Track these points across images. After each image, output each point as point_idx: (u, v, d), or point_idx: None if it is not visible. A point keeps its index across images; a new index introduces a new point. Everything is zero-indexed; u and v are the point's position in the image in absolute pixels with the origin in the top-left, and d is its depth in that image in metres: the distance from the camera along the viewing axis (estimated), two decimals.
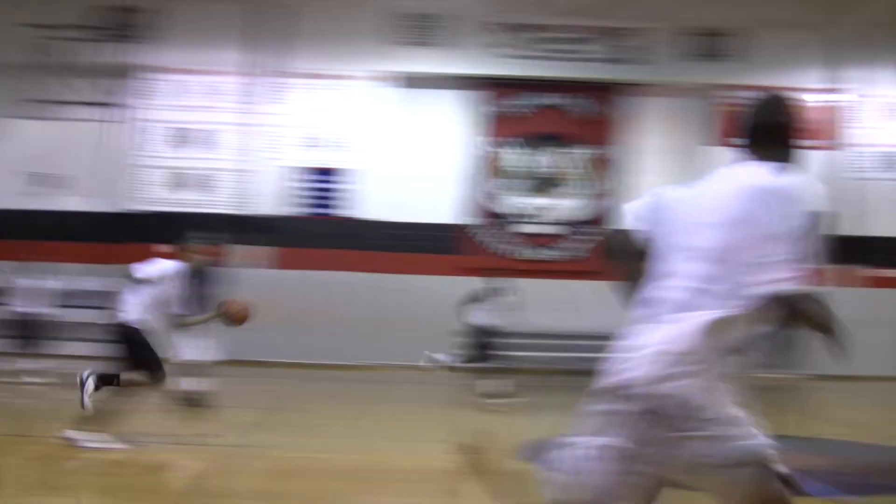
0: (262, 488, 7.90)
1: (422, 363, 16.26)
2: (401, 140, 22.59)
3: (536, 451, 9.86)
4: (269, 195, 22.05)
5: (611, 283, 4.45)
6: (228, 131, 22.06)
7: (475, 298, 15.33)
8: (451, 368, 15.95)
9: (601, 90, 23.10)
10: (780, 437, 9.38)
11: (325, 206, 22.12)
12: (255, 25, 22.20)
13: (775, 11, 22.53)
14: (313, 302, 20.77)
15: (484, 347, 15.29)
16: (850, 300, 22.26)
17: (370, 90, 22.29)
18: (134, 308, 9.70)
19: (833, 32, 22.68)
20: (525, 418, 13.61)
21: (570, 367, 21.53)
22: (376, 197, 22.22)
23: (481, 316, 15.24)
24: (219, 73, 22.08)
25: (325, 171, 22.14)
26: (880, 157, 23.00)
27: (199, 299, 12.34)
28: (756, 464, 3.76)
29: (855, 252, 22.59)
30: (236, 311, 10.79)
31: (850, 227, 22.64)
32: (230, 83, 22.10)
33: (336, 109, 22.20)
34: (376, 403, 15.48)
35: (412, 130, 22.69)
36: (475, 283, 16.29)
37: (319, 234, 21.83)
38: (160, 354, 9.84)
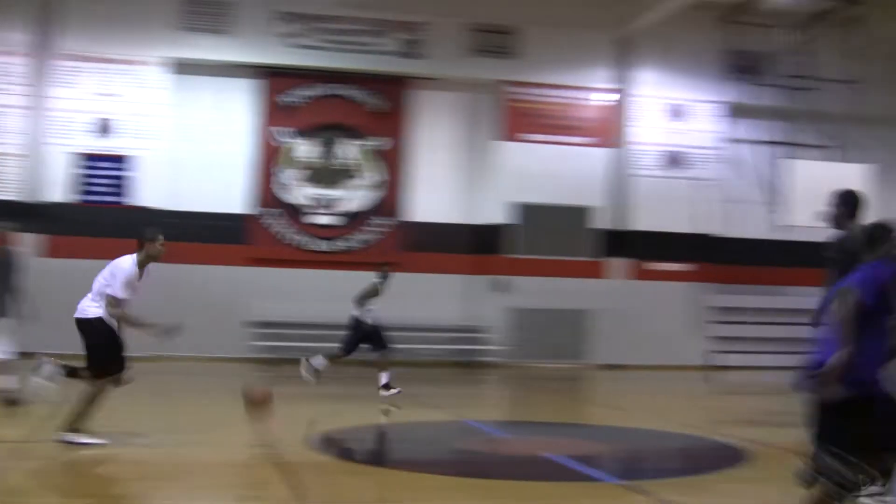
0: (61, 485, 7.73)
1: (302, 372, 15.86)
2: (188, 128, 22.22)
3: (334, 441, 9.99)
4: (51, 181, 21.28)
5: None
6: (8, 114, 21.20)
7: (371, 293, 15.37)
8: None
9: (389, 82, 23.29)
10: (561, 425, 9.82)
11: (109, 194, 21.53)
12: (39, 6, 21.42)
13: (563, 10, 23.21)
14: None
15: (381, 340, 15.38)
16: (620, 292, 23.40)
17: (157, 76, 21.75)
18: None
19: (618, 33, 23.55)
20: (324, 407, 13.64)
21: (358, 358, 21.76)
22: (162, 185, 21.78)
23: (375, 311, 15.32)
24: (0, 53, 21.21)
25: (108, 158, 21.55)
26: (653, 155, 23.98)
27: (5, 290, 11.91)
28: None
29: (626, 245, 23.65)
30: (259, 398, 10.31)
31: (623, 222, 23.71)
32: (11, 64, 21.23)
33: (122, 95, 21.57)
34: (168, 396, 15.18)
35: (200, 118, 22.36)
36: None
37: (103, 222, 21.22)
38: None
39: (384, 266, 15.81)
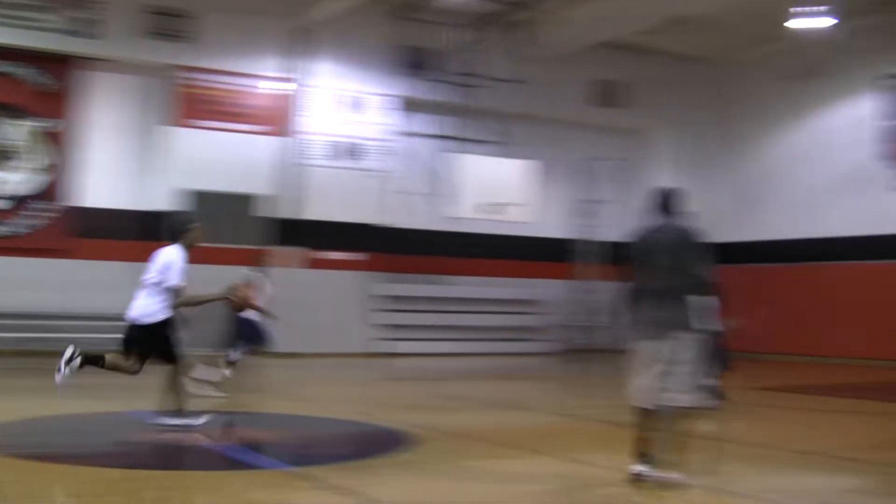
0: None
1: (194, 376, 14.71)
2: None
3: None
4: None
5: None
6: None
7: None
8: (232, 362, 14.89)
9: (55, 61, 22.36)
10: (232, 414, 9.81)
11: None
12: None
13: None
14: None
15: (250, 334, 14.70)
16: (292, 281, 23.50)
17: None
18: None
19: (296, 23, 23.64)
20: None
21: (17, 348, 20.84)
22: None
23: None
24: None
25: None
26: (326, 145, 24.26)
27: None
28: None
29: (298, 234, 23.82)
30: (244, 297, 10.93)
31: (295, 211, 23.85)
32: None
33: None
34: None
35: None
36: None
37: None
38: None
39: (258, 257, 15.44)
